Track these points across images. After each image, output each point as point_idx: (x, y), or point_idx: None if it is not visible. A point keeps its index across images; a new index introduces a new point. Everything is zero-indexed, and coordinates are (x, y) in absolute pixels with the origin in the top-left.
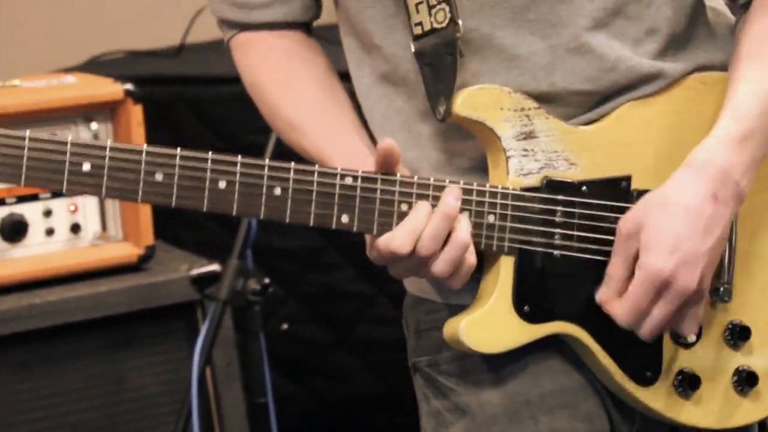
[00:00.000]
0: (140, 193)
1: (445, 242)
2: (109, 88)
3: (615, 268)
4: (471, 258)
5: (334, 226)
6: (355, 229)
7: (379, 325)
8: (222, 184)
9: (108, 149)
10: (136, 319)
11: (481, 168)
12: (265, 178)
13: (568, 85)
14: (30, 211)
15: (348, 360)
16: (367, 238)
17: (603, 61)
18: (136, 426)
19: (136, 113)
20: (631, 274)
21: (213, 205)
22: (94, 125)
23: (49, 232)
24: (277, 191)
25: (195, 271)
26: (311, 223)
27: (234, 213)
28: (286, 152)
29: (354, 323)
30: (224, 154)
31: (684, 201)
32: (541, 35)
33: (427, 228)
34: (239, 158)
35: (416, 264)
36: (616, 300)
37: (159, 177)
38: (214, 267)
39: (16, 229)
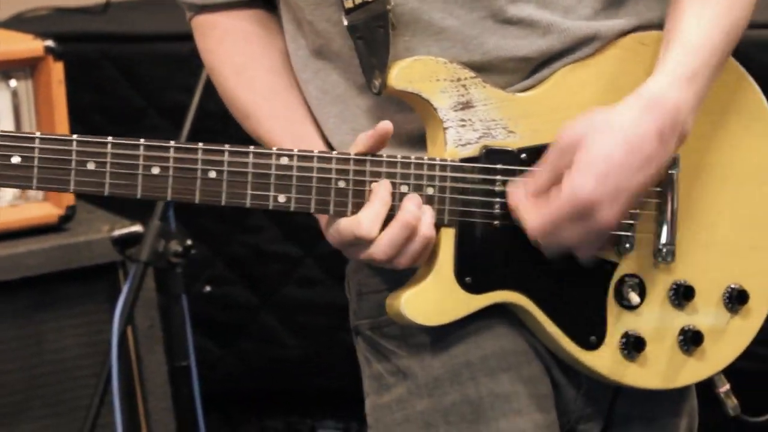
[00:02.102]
0: (72, 183)
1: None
2: (29, 45)
3: (540, 175)
4: (430, 248)
5: (271, 206)
6: (292, 208)
7: (305, 287)
8: (155, 170)
9: (37, 140)
10: (56, 280)
11: (419, 140)
12: (199, 161)
13: (501, 53)
14: None
15: (273, 322)
16: (322, 219)
17: (534, 27)
18: (57, 388)
19: (56, 71)
20: (553, 185)
21: (147, 192)
22: (13, 82)
23: None
24: (212, 174)
25: (116, 232)
26: (248, 205)
27: (168, 198)
28: (211, 112)
29: (280, 285)
30: (156, 140)
31: (628, 131)
32: (468, 8)
33: (386, 234)
34: (172, 143)
35: (371, 257)
36: (531, 207)
37: (91, 166)
38: (136, 228)
39: None
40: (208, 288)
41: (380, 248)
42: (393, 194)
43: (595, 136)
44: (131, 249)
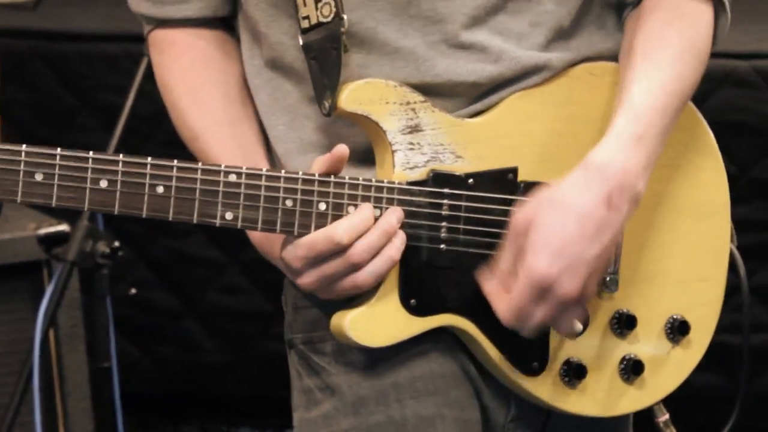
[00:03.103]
0: (19, 194)
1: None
2: None
3: (504, 262)
4: (387, 273)
5: (218, 223)
6: (239, 225)
7: (229, 294)
8: (103, 183)
9: None
10: None
11: (367, 155)
12: (148, 176)
13: (452, 77)
14: None
15: (194, 327)
16: (273, 238)
17: (486, 54)
18: None
19: None
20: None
21: (94, 205)
22: None
23: None
24: (160, 189)
25: (42, 231)
26: (195, 221)
27: (116, 212)
28: (142, 116)
29: (203, 291)
30: (105, 153)
31: (576, 204)
32: (422, 31)
33: (365, 238)
34: (121, 157)
35: (339, 269)
36: (501, 296)
37: (39, 177)
38: (63, 227)
39: None
40: (133, 291)
41: (357, 250)
42: (340, 216)
43: (544, 214)
44: (57, 248)
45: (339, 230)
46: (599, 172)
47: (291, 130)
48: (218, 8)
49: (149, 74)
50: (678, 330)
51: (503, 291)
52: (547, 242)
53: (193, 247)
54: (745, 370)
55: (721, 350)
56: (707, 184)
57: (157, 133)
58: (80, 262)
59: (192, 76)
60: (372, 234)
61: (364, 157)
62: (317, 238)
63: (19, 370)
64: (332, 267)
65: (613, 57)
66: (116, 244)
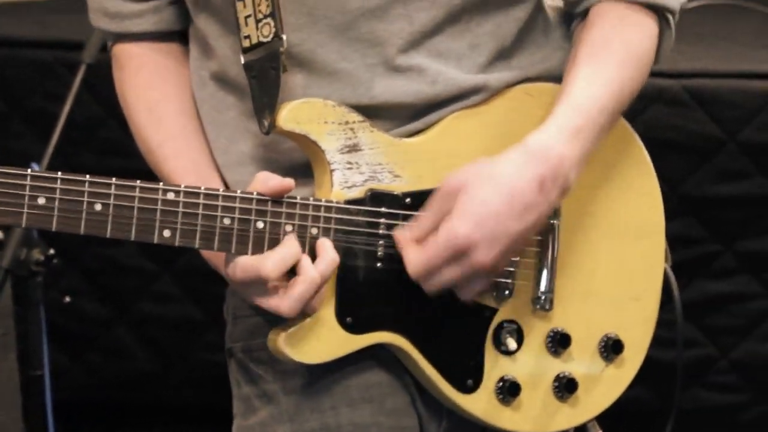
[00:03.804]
0: None
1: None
2: None
3: (425, 218)
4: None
5: (155, 240)
6: (177, 243)
7: (160, 303)
8: (41, 201)
9: None
10: None
11: (303, 169)
12: (86, 194)
13: (389, 98)
14: None
15: (126, 336)
16: (219, 258)
17: (423, 76)
18: None
19: None
20: (436, 229)
21: (32, 222)
22: None
23: None
24: (98, 207)
25: None
26: (132, 238)
27: (53, 229)
28: (77, 124)
29: (135, 299)
30: (44, 171)
31: (509, 180)
32: (360, 53)
33: (297, 291)
34: (59, 174)
35: (268, 294)
36: (413, 247)
37: None
38: None
39: None
40: (68, 299)
41: (289, 305)
42: (278, 234)
43: (476, 183)
44: None
45: (268, 265)
46: (537, 154)
47: (231, 143)
48: (173, 22)
49: (85, 81)
50: (612, 349)
51: (416, 247)
52: (474, 209)
53: (124, 256)
54: (678, 387)
55: (650, 365)
56: (642, 205)
57: (91, 140)
58: (15, 269)
59: (148, 91)
60: (301, 285)
61: (302, 172)
62: (248, 267)
63: None
64: (269, 305)
65: (554, 76)
66: (51, 251)
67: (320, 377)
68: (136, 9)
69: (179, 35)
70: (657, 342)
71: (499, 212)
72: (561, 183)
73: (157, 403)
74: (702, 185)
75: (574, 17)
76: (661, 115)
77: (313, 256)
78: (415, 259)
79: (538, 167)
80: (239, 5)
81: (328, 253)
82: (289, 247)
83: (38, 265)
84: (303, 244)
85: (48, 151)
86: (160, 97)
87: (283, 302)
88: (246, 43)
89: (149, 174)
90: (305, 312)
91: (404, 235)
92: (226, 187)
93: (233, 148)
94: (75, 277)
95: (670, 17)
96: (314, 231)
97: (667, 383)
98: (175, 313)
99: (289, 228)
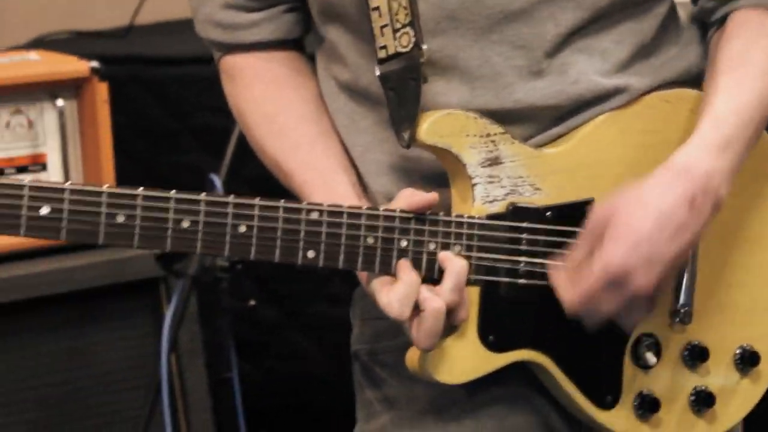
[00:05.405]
0: (101, 236)
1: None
2: (75, 66)
3: (578, 252)
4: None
5: (299, 262)
6: (321, 264)
7: (333, 305)
8: (185, 224)
9: (66, 191)
10: (100, 295)
11: (442, 176)
12: (230, 216)
13: (532, 101)
14: None
15: (300, 339)
16: (363, 276)
17: (566, 76)
18: (99, 400)
19: (101, 91)
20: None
21: (176, 245)
22: (60, 102)
23: None
24: (242, 229)
25: None
26: (276, 260)
27: (197, 252)
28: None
29: (307, 302)
30: (187, 192)
31: (658, 203)
32: (504, 56)
33: (424, 328)
34: (203, 196)
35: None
36: (568, 283)
37: (120, 219)
38: None
39: None
40: (252, 302)
41: (425, 343)
42: (421, 253)
43: (625, 209)
44: (177, 264)
45: (395, 307)
46: (684, 172)
47: (367, 152)
48: (289, 31)
49: None
50: (748, 360)
51: (571, 282)
52: (627, 235)
53: None
54: None
55: None
56: None
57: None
58: (201, 276)
59: (266, 102)
60: (427, 322)
61: (439, 181)
62: (384, 305)
63: (142, 385)
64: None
65: (692, 76)
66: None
67: (445, 387)
68: (252, 19)
69: (293, 43)
70: None
71: (651, 235)
72: (712, 199)
73: (334, 406)
74: None
75: (709, 26)
76: None
77: (430, 270)
78: (571, 295)
79: (686, 185)
80: (374, 15)
81: (454, 267)
82: (408, 284)
83: (223, 271)
84: (419, 263)
85: (224, 161)
86: (278, 108)
87: (419, 340)
88: (382, 54)
89: None
90: (452, 323)
91: (559, 275)
92: (363, 188)
93: (369, 157)
94: (247, 283)
95: None
96: (457, 249)
97: None
98: (344, 313)
99: (432, 246)
